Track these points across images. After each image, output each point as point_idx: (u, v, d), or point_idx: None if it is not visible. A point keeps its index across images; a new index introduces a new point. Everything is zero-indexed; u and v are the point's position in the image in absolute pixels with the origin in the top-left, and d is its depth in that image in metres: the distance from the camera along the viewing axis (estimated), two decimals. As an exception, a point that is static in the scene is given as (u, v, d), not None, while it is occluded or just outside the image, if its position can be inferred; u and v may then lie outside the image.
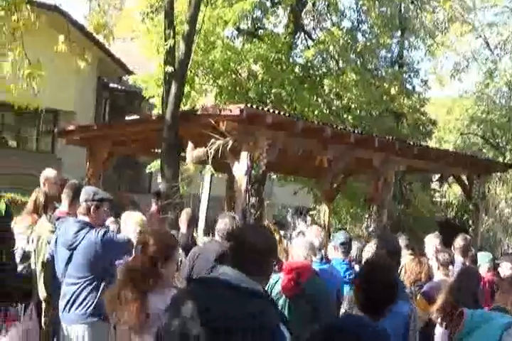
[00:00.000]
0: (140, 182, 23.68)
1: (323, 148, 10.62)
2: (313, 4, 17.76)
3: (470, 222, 20.77)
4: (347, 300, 5.19)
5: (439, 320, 5.50)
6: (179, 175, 9.79)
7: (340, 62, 17.54)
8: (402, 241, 8.35)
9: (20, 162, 17.83)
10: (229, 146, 9.30)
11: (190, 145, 9.69)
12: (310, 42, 18.25)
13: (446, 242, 7.67)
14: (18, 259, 5.89)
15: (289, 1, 15.68)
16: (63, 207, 6.04)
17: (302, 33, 18.46)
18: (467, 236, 8.22)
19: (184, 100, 12.00)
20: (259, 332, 2.55)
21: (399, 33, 20.44)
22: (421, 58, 28.29)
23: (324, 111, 17.08)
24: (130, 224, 5.87)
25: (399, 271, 6.39)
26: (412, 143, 12.64)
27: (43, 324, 5.76)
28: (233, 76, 15.50)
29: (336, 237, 7.41)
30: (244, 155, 9.53)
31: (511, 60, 23.71)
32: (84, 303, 4.99)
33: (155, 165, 18.55)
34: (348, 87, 16.47)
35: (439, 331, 5.62)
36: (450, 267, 6.67)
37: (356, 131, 11.03)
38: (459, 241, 7.59)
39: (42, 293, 5.75)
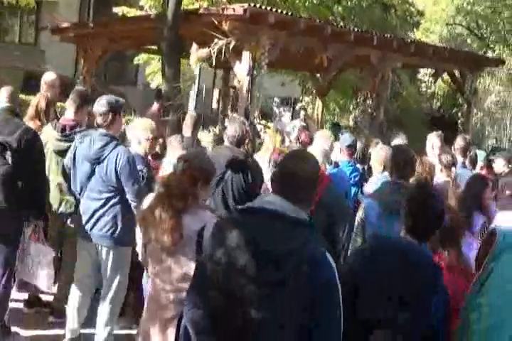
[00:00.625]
0: (126, 74, 23.37)
1: (324, 46, 10.58)
2: None
3: (459, 114, 21.11)
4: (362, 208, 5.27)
5: None
6: (180, 75, 9.69)
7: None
8: (402, 139, 8.59)
9: (2, 54, 17.41)
10: (231, 46, 9.23)
11: (194, 45, 9.50)
12: None
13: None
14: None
15: None
16: (69, 114, 5.74)
17: None
18: (466, 137, 8.37)
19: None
20: (307, 261, 2.52)
21: None
22: None
23: (314, 1, 16.76)
24: (140, 131, 5.66)
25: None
26: (409, 40, 12.64)
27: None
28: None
29: (342, 139, 7.57)
30: (246, 55, 9.50)
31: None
32: (110, 225, 4.92)
33: (143, 58, 18.32)
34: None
35: None
36: (453, 168, 6.88)
37: (356, 29, 10.94)
38: (459, 142, 7.64)
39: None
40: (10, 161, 5.03)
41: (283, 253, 2.55)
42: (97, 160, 4.91)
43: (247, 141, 6.27)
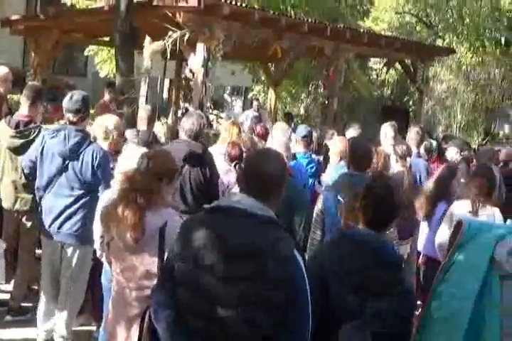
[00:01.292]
0: (75, 64, 23.01)
1: (278, 37, 10.62)
2: None
3: (410, 102, 21.44)
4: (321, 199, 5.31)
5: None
6: (134, 68, 9.54)
7: None
8: (356, 129, 8.67)
9: None
10: (186, 38, 9.16)
11: (147, 38, 9.41)
12: None
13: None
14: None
15: None
16: (23, 110, 5.71)
17: None
18: (421, 127, 8.56)
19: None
20: (276, 257, 2.55)
21: None
22: None
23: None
24: (104, 128, 5.57)
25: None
26: (362, 30, 12.74)
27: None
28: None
29: (298, 131, 7.60)
30: (200, 47, 9.46)
31: None
32: (80, 223, 4.89)
33: (94, 49, 18.06)
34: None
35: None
36: (407, 158, 6.99)
37: (310, 20, 10.97)
38: (413, 132, 7.82)
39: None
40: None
41: (253, 252, 2.58)
42: (72, 156, 4.87)
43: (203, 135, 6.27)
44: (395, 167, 6.74)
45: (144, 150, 4.52)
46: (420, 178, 7.07)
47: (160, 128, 8.54)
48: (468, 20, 22.91)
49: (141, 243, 3.58)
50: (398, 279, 2.95)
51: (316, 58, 15.30)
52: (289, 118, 13.68)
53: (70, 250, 4.96)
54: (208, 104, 10.62)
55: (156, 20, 9.05)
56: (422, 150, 7.93)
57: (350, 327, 2.84)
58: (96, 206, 4.65)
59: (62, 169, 4.90)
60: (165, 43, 9.07)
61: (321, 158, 7.85)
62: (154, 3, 9.17)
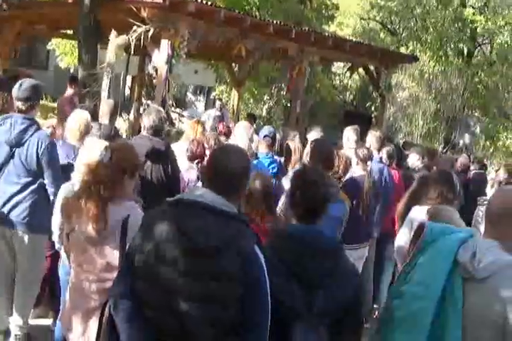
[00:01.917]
0: (36, 57, 22.70)
1: (243, 37, 10.58)
2: None
3: (373, 108, 21.63)
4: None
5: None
6: (98, 62, 9.45)
7: None
8: (317, 132, 8.67)
9: None
10: (150, 34, 9.09)
11: (113, 32, 9.31)
12: None
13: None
14: None
15: None
16: None
17: None
18: (381, 133, 8.61)
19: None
20: (237, 253, 2.55)
21: None
22: None
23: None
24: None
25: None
26: (327, 34, 12.81)
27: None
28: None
29: (261, 131, 7.58)
30: (164, 44, 9.40)
31: None
32: (28, 211, 4.87)
33: (56, 43, 17.84)
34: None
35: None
36: (368, 162, 7.03)
37: (275, 22, 11.00)
38: (374, 137, 7.87)
39: None
40: None
41: (214, 247, 2.56)
42: (17, 144, 4.85)
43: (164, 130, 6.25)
44: (356, 170, 6.72)
45: (106, 143, 4.45)
46: (381, 183, 7.10)
47: (122, 125, 8.50)
48: (432, 29, 23.26)
49: (103, 235, 3.55)
50: (338, 265, 2.93)
51: (280, 60, 15.30)
52: (251, 119, 13.65)
53: (19, 238, 4.91)
54: (170, 102, 10.57)
55: (121, 15, 8.97)
56: (384, 155, 7.95)
57: (303, 330, 2.81)
58: (46, 194, 4.63)
59: (10, 157, 4.89)
60: (129, 38, 8.98)
61: (283, 159, 7.84)
62: (120, -3, 9.08)
